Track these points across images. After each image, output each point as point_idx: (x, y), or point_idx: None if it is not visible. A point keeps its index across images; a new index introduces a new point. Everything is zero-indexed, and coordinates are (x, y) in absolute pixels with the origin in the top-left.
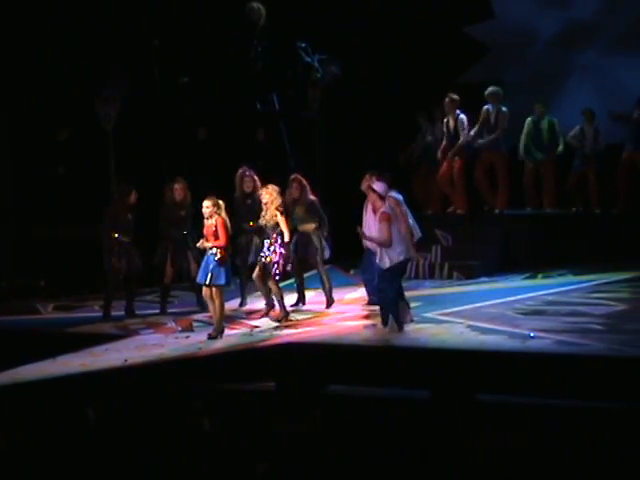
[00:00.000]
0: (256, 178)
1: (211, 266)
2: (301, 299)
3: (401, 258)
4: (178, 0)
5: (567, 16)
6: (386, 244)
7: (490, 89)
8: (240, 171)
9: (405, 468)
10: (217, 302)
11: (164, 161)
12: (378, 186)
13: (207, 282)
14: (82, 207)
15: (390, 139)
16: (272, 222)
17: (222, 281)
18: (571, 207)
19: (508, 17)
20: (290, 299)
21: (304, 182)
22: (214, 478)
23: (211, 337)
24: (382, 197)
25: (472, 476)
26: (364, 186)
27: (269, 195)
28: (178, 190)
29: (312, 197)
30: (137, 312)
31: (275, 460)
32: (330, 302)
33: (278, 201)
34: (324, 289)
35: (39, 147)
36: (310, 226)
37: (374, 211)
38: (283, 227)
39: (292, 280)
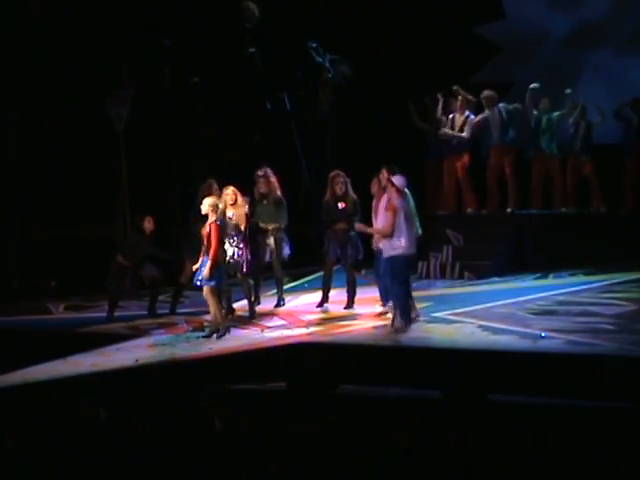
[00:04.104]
0: (272, 179)
1: (202, 268)
2: (325, 299)
3: (406, 251)
4: (188, 0)
5: (578, 16)
6: (387, 233)
7: (485, 93)
8: (256, 172)
9: (416, 468)
10: (210, 301)
11: (174, 161)
12: (398, 180)
13: (198, 283)
14: (93, 207)
15: (401, 139)
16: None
17: (211, 282)
18: (582, 207)
19: (519, 17)
20: (297, 299)
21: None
22: (225, 478)
23: (218, 336)
24: (400, 191)
25: (482, 475)
26: (374, 188)
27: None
28: (149, 223)
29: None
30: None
31: (286, 461)
32: (350, 304)
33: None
34: (348, 290)
35: (51, 147)
36: (345, 225)
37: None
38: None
39: (305, 279)
